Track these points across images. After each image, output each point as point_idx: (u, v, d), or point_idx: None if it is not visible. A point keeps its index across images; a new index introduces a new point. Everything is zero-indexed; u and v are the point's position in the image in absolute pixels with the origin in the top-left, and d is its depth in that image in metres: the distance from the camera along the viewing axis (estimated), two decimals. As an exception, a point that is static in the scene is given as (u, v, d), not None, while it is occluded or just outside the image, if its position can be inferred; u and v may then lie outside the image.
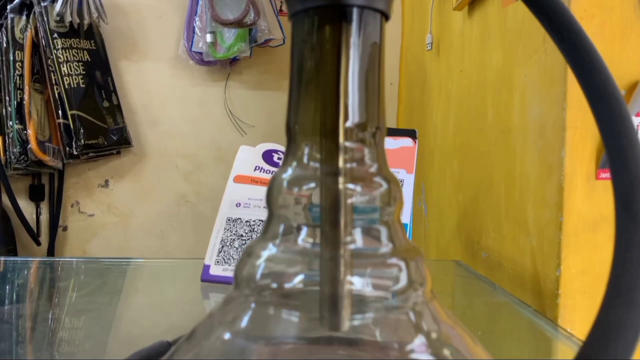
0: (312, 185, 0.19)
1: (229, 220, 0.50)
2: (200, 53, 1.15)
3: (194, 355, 0.19)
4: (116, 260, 0.57)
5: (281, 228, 0.19)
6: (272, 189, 0.20)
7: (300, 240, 0.19)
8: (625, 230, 0.17)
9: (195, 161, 1.25)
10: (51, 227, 1.22)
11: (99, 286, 0.49)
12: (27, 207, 1.20)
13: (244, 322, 0.18)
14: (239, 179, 0.53)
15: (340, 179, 0.18)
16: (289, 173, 0.20)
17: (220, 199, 0.52)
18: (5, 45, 1.10)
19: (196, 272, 0.48)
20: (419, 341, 0.17)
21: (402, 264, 0.19)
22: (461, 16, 0.73)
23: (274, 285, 0.19)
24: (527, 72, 0.50)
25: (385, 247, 0.19)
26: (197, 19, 1.14)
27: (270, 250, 0.19)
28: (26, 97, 1.10)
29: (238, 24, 1.08)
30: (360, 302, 0.18)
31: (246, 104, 1.24)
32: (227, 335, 0.18)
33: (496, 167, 0.57)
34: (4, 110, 1.10)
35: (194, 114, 1.24)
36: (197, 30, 1.14)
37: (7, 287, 0.48)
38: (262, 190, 0.53)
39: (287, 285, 0.18)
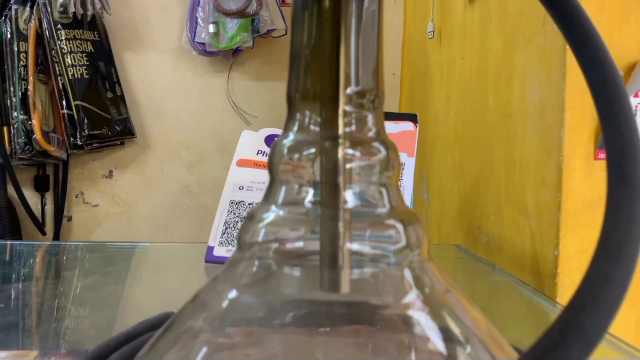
0: (313, 150, 0.20)
1: (232, 202, 0.51)
2: (203, 44, 1.15)
3: (202, 315, 0.20)
4: (122, 244, 0.58)
5: (283, 192, 0.20)
6: (274, 154, 0.21)
7: (301, 203, 0.20)
8: (616, 190, 0.18)
9: (199, 152, 1.26)
10: (56, 217, 1.23)
11: (105, 268, 0.50)
12: (32, 198, 1.21)
13: (249, 280, 0.19)
14: (242, 163, 0.53)
15: (340, 143, 0.19)
16: (289, 139, 0.20)
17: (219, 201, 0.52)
18: (9, 36, 1.11)
19: (200, 254, 0.49)
20: (414, 296, 0.18)
21: (400, 225, 0.19)
22: (462, 3, 0.73)
23: (276, 246, 0.19)
24: (527, 56, 0.50)
25: (384, 208, 0.19)
26: (199, 9, 1.15)
27: (272, 212, 0.20)
28: (30, 87, 1.10)
29: (240, 14, 1.08)
30: (358, 260, 0.18)
31: (249, 94, 1.25)
32: (232, 293, 0.19)
33: (497, 152, 0.58)
34: (8, 101, 1.11)
35: (197, 104, 1.25)
36: (199, 20, 1.15)
37: (17, 268, 0.49)
38: (265, 174, 0.54)
39: (289, 246, 0.19)
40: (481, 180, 0.62)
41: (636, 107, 0.40)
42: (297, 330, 0.18)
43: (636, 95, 0.41)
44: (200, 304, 0.20)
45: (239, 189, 0.52)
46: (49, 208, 1.24)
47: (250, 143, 0.55)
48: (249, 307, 0.18)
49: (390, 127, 0.55)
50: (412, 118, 0.55)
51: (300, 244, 0.19)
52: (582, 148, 0.43)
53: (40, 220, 1.22)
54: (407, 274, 0.18)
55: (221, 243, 0.49)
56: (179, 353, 0.19)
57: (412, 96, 1.09)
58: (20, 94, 1.10)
